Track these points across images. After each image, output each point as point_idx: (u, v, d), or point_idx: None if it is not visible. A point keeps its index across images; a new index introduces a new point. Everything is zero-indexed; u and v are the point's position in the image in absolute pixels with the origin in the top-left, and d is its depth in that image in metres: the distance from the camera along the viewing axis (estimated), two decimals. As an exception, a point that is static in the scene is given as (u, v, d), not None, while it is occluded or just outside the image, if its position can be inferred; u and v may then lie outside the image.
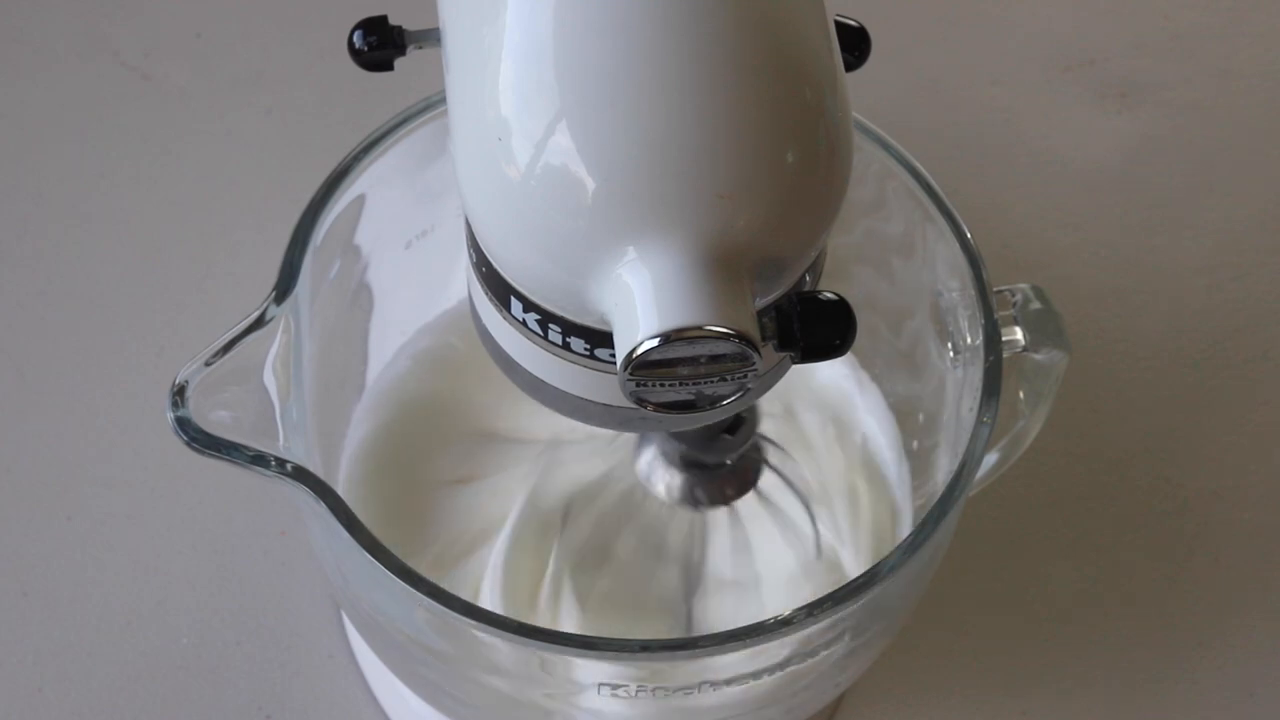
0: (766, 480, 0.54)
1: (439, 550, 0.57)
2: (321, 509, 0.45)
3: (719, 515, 0.55)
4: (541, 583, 0.55)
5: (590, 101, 0.35)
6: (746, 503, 0.54)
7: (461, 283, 0.45)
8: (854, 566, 0.56)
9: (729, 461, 0.52)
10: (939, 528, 0.47)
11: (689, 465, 0.52)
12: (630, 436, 0.54)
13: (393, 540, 0.54)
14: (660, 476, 0.52)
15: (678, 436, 0.51)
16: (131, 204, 0.70)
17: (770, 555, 0.56)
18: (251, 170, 0.71)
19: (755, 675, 0.47)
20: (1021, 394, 0.51)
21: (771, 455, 0.55)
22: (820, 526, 0.57)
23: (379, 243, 0.55)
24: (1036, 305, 0.50)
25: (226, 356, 0.46)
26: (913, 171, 0.52)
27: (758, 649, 0.45)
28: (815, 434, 0.59)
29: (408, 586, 0.44)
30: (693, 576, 0.56)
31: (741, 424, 0.51)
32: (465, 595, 0.55)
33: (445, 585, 0.53)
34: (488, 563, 0.56)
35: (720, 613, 0.55)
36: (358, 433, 0.58)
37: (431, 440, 0.59)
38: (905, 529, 0.56)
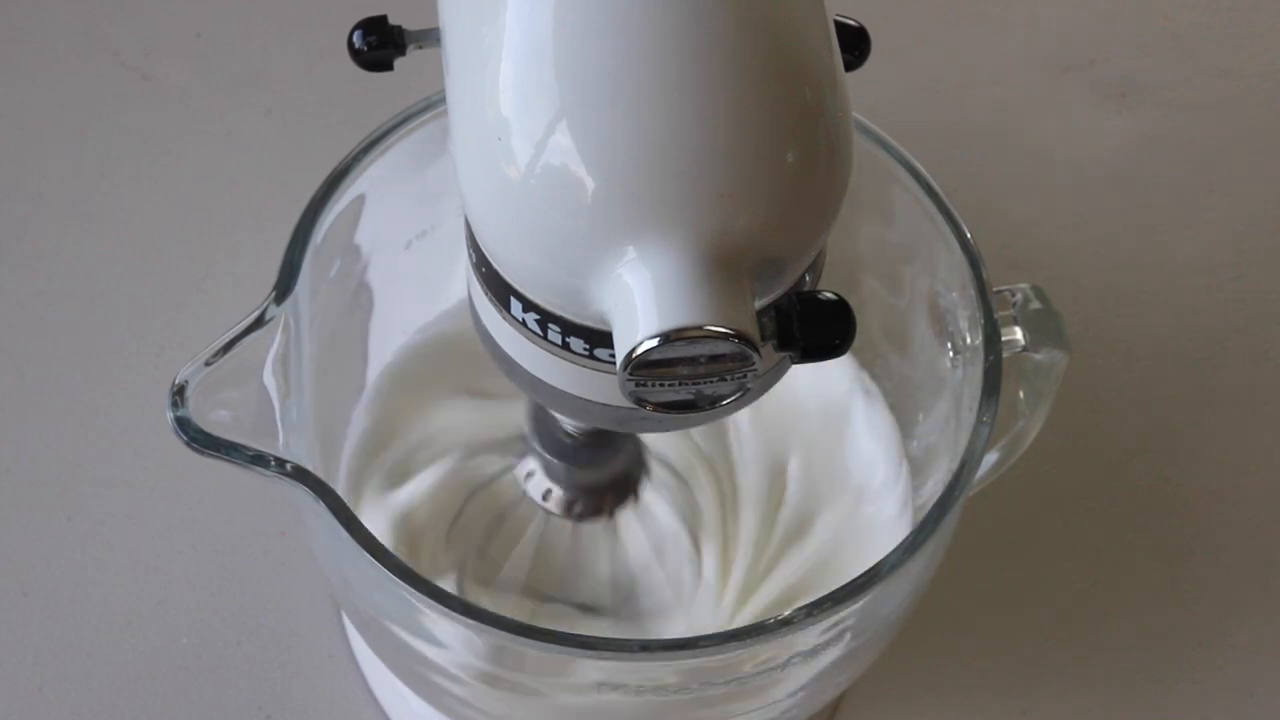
0: (647, 496, 0.55)
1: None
2: (321, 509, 0.45)
3: (596, 527, 0.55)
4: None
5: (590, 101, 0.35)
6: (624, 516, 0.55)
7: (461, 283, 0.45)
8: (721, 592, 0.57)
9: (605, 477, 0.53)
10: (939, 528, 0.47)
11: (570, 479, 0.53)
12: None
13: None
14: (537, 486, 0.53)
15: (555, 453, 0.52)
16: (131, 204, 0.70)
17: (643, 571, 0.56)
18: (251, 170, 0.71)
19: (755, 675, 0.47)
20: (1021, 394, 0.51)
21: (657, 472, 0.56)
22: (703, 549, 0.57)
23: (379, 243, 0.55)
24: (1036, 305, 0.50)
25: (226, 356, 0.46)
26: (913, 171, 0.52)
27: (757, 649, 0.45)
28: (746, 463, 0.59)
29: (408, 586, 0.44)
30: (568, 585, 0.56)
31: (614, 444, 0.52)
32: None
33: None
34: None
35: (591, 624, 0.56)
36: (361, 422, 0.58)
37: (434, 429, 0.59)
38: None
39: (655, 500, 0.56)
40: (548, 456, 0.53)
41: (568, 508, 0.55)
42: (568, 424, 0.51)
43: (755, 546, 0.57)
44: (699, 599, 0.56)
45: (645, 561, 0.56)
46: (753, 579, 0.56)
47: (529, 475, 0.54)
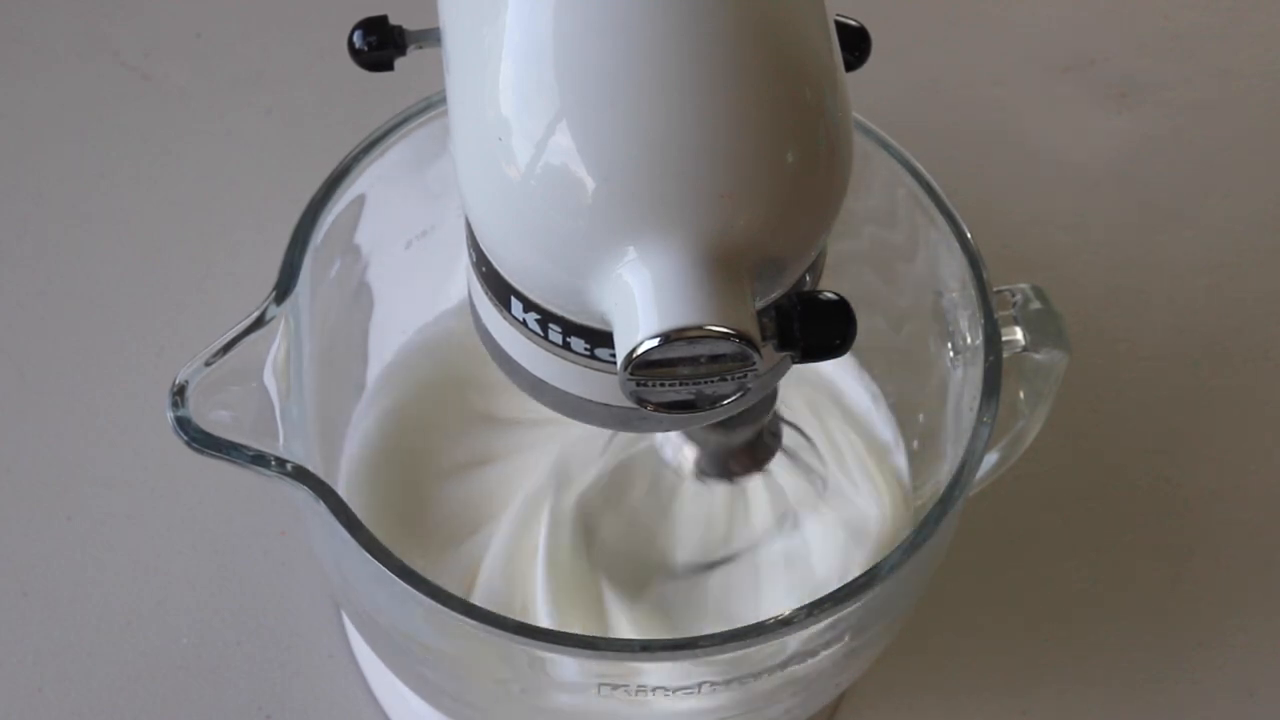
0: (788, 440, 0.54)
1: (445, 533, 0.56)
2: (321, 509, 0.45)
3: (755, 483, 0.55)
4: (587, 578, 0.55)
5: (590, 101, 0.35)
6: (777, 465, 0.54)
7: (461, 282, 0.45)
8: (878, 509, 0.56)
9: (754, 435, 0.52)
10: (939, 528, 0.47)
11: (714, 440, 0.52)
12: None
13: (395, 523, 0.54)
14: (688, 454, 0.52)
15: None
16: (131, 204, 0.70)
17: (812, 516, 0.56)
18: (251, 170, 0.71)
19: (755, 675, 0.47)
20: (1021, 394, 0.51)
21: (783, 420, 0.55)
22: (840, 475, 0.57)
23: (379, 243, 0.55)
24: (1036, 305, 0.50)
25: (226, 356, 0.46)
26: (913, 171, 0.52)
27: (758, 649, 0.45)
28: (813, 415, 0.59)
29: (408, 586, 0.44)
30: (739, 547, 0.56)
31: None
32: (466, 575, 0.55)
33: (447, 565, 0.53)
34: (489, 544, 0.56)
35: (772, 577, 0.55)
36: (363, 420, 0.58)
37: (437, 425, 0.58)
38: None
39: (794, 446, 0.55)
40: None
41: (723, 468, 0.53)
42: None
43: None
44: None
45: (810, 502, 0.56)
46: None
47: (676, 451, 0.53)
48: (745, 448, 0.52)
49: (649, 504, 0.55)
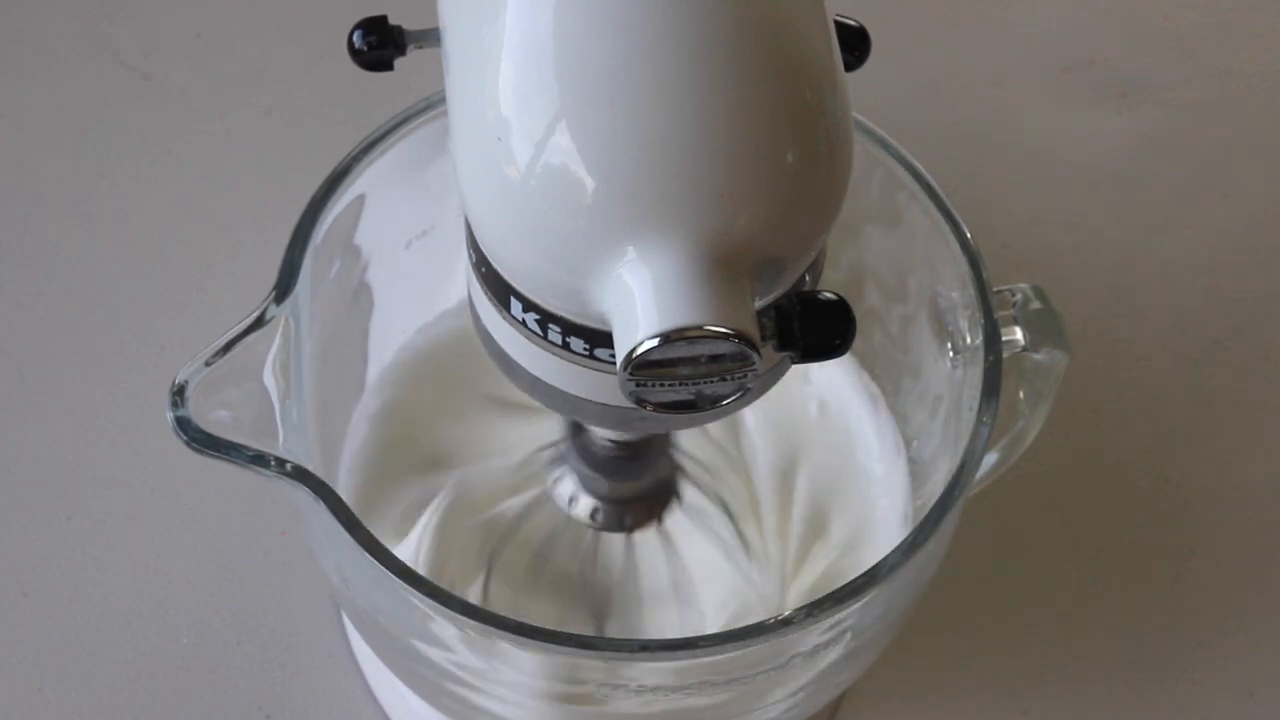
0: (690, 495, 0.55)
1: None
2: (321, 509, 0.45)
3: (648, 535, 0.55)
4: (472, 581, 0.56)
5: (590, 101, 0.35)
6: (672, 518, 0.55)
7: (461, 283, 0.45)
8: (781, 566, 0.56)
9: (644, 485, 0.53)
10: (939, 528, 0.47)
11: (609, 492, 0.53)
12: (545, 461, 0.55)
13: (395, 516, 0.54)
14: (583, 504, 0.53)
15: (592, 467, 0.52)
16: (131, 204, 0.70)
17: (704, 567, 0.56)
18: (251, 170, 0.71)
19: (755, 675, 0.47)
20: (1021, 394, 0.51)
21: (692, 471, 0.56)
22: (745, 530, 0.57)
23: (379, 243, 0.55)
24: (1036, 305, 0.50)
25: (226, 356, 0.46)
26: (913, 171, 0.52)
27: (757, 649, 0.45)
28: (757, 452, 0.59)
29: (407, 586, 0.44)
30: (626, 594, 0.56)
31: (648, 453, 0.52)
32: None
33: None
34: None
35: (661, 624, 0.56)
36: (363, 417, 0.58)
37: (436, 418, 0.59)
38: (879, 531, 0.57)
39: (697, 498, 0.55)
40: (591, 473, 0.52)
41: (619, 521, 0.54)
42: (606, 436, 0.51)
43: (782, 539, 0.57)
44: (765, 581, 0.56)
45: (706, 558, 0.56)
46: (792, 566, 0.57)
47: (571, 499, 0.54)
48: (641, 501, 0.53)
49: (551, 552, 0.56)
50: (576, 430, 0.52)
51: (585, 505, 0.53)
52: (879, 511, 0.58)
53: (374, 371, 0.59)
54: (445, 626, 0.47)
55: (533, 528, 0.56)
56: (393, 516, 0.57)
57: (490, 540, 0.56)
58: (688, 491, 0.55)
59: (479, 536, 0.56)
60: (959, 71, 0.75)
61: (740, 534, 0.57)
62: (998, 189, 0.72)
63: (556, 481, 0.54)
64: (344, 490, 0.56)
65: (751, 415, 0.59)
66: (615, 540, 0.55)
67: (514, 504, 0.56)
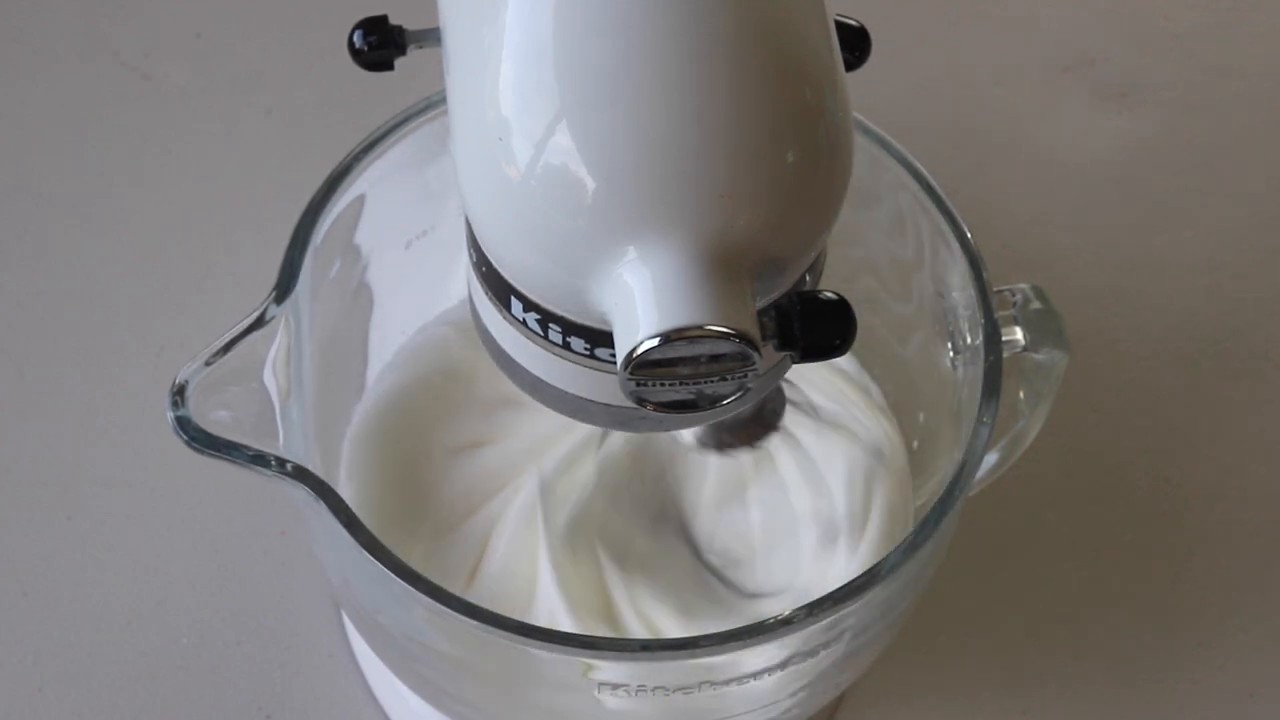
0: (788, 419, 0.54)
1: (444, 514, 0.56)
2: (321, 508, 0.45)
3: (745, 458, 0.55)
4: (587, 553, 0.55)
5: (590, 101, 0.35)
6: (773, 443, 0.54)
7: (461, 282, 0.45)
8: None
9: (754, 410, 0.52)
10: (939, 528, 0.47)
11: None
12: None
13: (396, 506, 0.54)
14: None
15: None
16: (131, 204, 0.70)
17: (801, 493, 0.56)
18: (251, 170, 0.71)
19: (755, 675, 0.47)
20: (1021, 394, 0.51)
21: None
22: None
23: (379, 242, 0.55)
24: (1036, 305, 0.50)
25: (226, 356, 0.46)
26: (913, 171, 0.52)
27: (758, 648, 0.45)
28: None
29: (407, 586, 0.44)
30: (724, 521, 0.55)
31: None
32: (471, 557, 0.55)
33: (451, 546, 0.54)
34: (495, 523, 0.56)
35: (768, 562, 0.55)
36: (363, 409, 0.58)
37: (442, 406, 0.58)
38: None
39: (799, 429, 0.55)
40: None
41: (718, 441, 0.53)
42: None
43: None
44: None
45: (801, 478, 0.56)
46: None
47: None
48: (744, 422, 0.53)
49: (643, 483, 0.55)
50: None
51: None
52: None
53: (374, 371, 0.59)
54: (445, 626, 0.47)
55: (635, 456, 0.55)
56: (401, 515, 0.57)
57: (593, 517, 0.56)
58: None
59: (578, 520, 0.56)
60: (959, 71, 0.76)
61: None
62: (998, 189, 0.72)
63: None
64: (344, 476, 0.56)
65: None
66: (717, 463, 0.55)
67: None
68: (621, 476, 0.56)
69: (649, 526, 0.56)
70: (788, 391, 0.54)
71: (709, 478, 0.56)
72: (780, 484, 0.56)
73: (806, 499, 0.56)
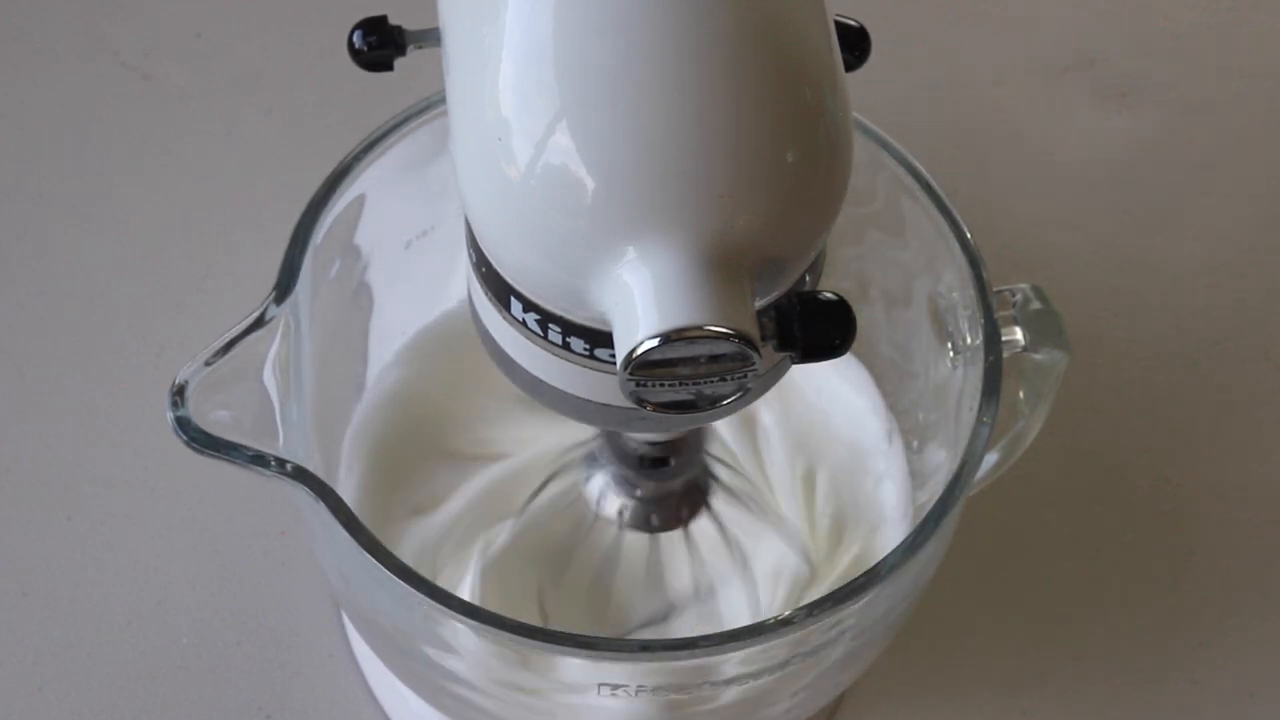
0: (718, 499, 0.55)
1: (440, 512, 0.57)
2: (321, 509, 0.45)
3: (674, 538, 0.55)
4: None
5: (590, 101, 0.35)
6: (699, 524, 0.55)
7: (461, 282, 0.45)
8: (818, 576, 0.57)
9: (677, 486, 0.53)
10: (939, 528, 0.47)
11: (641, 491, 0.53)
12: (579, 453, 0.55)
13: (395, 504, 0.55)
14: (611, 502, 0.53)
15: (624, 464, 0.52)
16: (131, 204, 0.70)
17: (724, 572, 0.56)
18: (252, 170, 0.71)
19: (755, 675, 0.47)
20: (1021, 394, 0.51)
21: (720, 472, 0.55)
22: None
23: (379, 243, 0.55)
24: (1036, 305, 0.50)
25: (226, 356, 0.46)
26: (913, 172, 0.52)
27: (758, 649, 0.45)
28: (772, 444, 0.59)
29: (408, 586, 0.44)
30: (657, 599, 0.56)
31: (682, 451, 0.52)
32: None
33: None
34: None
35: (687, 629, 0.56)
36: (381, 385, 0.58)
37: (444, 407, 0.59)
38: (888, 536, 0.57)
39: (725, 506, 0.55)
40: (625, 470, 0.52)
41: (645, 521, 0.54)
42: (639, 440, 0.50)
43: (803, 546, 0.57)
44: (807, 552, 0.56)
45: (725, 567, 0.56)
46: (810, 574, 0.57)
47: (600, 497, 0.54)
48: (671, 502, 0.53)
49: (578, 552, 0.56)
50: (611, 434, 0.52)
51: (614, 505, 0.53)
52: (887, 510, 0.58)
53: (374, 371, 0.59)
54: (445, 626, 0.47)
55: (580, 544, 0.56)
56: (401, 513, 0.57)
57: (540, 566, 0.56)
58: (718, 486, 0.55)
59: (528, 562, 0.56)
60: (959, 71, 0.76)
61: (778, 515, 0.57)
62: (998, 189, 0.72)
63: (589, 483, 0.54)
64: (345, 487, 0.56)
65: (767, 415, 0.59)
66: (640, 541, 0.55)
67: (545, 509, 0.56)
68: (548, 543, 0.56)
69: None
70: (723, 475, 0.55)
71: (634, 556, 0.56)
72: (702, 563, 0.56)
73: (733, 579, 0.56)
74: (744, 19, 0.36)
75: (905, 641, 0.57)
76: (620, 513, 0.53)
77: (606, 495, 0.53)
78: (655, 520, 0.54)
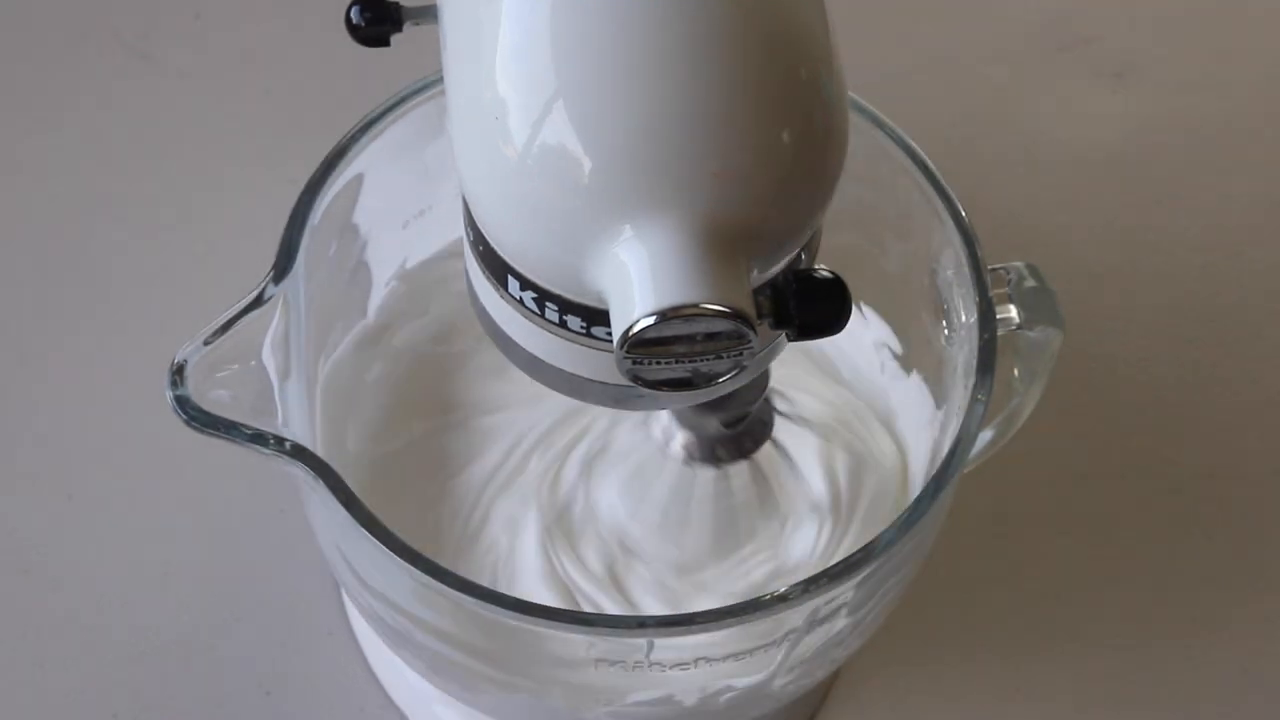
0: (780, 429, 0.55)
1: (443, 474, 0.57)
2: (320, 487, 0.46)
3: (741, 469, 0.55)
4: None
5: (587, 80, 0.36)
6: (765, 454, 0.54)
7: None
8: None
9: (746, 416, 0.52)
10: (934, 505, 0.47)
11: (705, 424, 0.52)
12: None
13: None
14: (678, 438, 0.52)
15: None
16: (130, 184, 0.70)
17: (792, 502, 0.56)
18: (250, 150, 0.71)
19: (751, 651, 0.48)
20: (1016, 371, 0.51)
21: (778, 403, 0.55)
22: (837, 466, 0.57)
23: (377, 222, 0.55)
24: (1031, 283, 0.50)
25: (225, 335, 0.46)
26: (908, 150, 0.52)
27: (754, 625, 0.46)
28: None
29: (406, 565, 0.45)
30: (721, 533, 0.56)
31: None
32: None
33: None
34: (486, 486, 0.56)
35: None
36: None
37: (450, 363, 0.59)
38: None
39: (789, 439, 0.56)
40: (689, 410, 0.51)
41: (710, 454, 0.54)
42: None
43: None
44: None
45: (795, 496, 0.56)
46: None
47: (667, 437, 0.53)
48: (734, 434, 0.53)
49: (637, 484, 0.56)
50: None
51: (679, 438, 0.53)
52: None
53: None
54: (444, 604, 0.47)
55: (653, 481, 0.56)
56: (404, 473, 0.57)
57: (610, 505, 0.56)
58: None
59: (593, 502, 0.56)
60: (955, 51, 0.76)
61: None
62: (993, 168, 0.72)
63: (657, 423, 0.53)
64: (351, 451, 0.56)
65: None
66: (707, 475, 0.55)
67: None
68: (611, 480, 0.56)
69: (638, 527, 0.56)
70: (778, 404, 0.55)
71: (696, 490, 0.56)
72: (769, 492, 0.56)
73: (797, 498, 0.56)
74: (739, -3, 0.36)
75: (900, 618, 0.57)
76: (686, 448, 0.53)
77: (673, 433, 0.53)
78: (721, 453, 0.53)
